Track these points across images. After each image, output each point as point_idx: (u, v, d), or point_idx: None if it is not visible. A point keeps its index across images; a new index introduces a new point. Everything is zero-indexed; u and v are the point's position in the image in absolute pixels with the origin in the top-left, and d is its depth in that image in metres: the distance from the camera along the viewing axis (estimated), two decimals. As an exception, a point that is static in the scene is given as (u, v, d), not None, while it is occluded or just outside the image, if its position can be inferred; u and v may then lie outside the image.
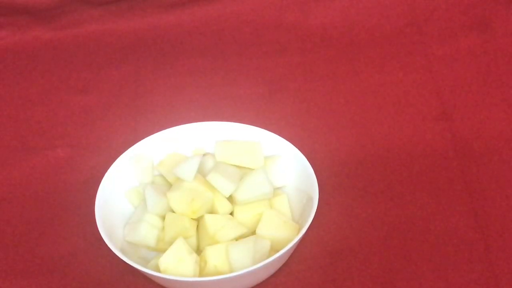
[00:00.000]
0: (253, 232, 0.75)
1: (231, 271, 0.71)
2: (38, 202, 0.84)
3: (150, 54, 1.04)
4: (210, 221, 0.74)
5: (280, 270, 0.75)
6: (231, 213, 0.77)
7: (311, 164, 0.78)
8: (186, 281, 0.70)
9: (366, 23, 1.05)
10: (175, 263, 0.71)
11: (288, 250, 0.71)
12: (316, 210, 0.73)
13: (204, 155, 0.81)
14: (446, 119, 0.91)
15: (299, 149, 0.80)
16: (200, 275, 0.72)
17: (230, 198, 0.77)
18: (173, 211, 0.75)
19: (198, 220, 0.76)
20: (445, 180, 0.83)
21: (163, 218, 0.76)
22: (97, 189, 0.77)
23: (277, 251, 0.71)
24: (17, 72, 1.03)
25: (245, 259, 0.71)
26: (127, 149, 0.81)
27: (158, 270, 0.72)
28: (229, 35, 1.06)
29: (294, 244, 0.71)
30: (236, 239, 0.74)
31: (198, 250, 0.75)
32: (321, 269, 0.76)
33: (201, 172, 0.78)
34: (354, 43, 1.03)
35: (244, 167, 0.79)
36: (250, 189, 0.76)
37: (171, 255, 0.72)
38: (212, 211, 0.76)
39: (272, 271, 0.74)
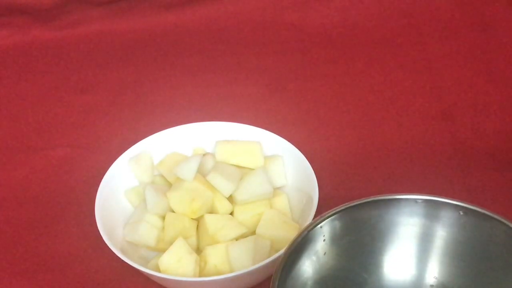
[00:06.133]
0: (253, 232, 0.75)
1: (231, 271, 0.71)
2: (38, 202, 0.84)
3: (150, 54, 1.04)
4: (210, 221, 0.74)
5: (280, 270, 0.75)
6: (231, 213, 0.77)
7: (311, 164, 0.78)
8: (186, 281, 0.70)
9: (366, 23, 1.05)
10: (175, 263, 0.71)
11: (288, 250, 0.71)
12: (316, 210, 0.73)
13: (204, 155, 0.81)
14: (446, 119, 0.91)
15: (299, 149, 0.79)
16: (200, 275, 0.72)
17: (230, 198, 0.77)
18: (173, 211, 0.75)
19: (198, 220, 0.76)
20: (445, 180, 0.83)
21: (163, 218, 0.76)
22: (97, 189, 0.77)
23: (277, 251, 0.70)
24: (17, 72, 1.03)
25: (245, 259, 0.71)
26: (127, 149, 0.81)
27: (158, 270, 0.72)
28: (229, 35, 1.06)
29: (294, 244, 0.71)
30: (236, 239, 0.74)
31: (198, 250, 0.75)
32: (321, 269, 0.76)
33: (201, 172, 0.77)
34: (354, 43, 1.03)
35: (244, 167, 0.79)
36: (250, 189, 0.76)
37: (171, 255, 0.71)
38: (212, 211, 0.76)
39: (272, 271, 0.74)
